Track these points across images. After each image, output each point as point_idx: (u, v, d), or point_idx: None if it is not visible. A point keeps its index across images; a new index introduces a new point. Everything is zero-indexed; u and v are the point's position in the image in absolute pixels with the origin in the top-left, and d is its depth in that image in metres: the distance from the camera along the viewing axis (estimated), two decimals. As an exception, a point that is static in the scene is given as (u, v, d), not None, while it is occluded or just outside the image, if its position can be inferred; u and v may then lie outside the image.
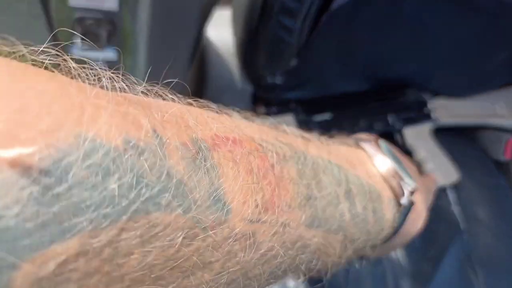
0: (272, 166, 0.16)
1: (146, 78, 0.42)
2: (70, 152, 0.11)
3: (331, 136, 0.27)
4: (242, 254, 0.14)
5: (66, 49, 0.51)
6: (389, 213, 0.24)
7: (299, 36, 0.46)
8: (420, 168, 0.52)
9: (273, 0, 0.43)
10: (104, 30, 0.47)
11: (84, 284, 0.11)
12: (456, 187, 0.69)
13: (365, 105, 0.63)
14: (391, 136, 0.66)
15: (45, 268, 0.10)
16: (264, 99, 0.63)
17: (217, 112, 0.18)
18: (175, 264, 0.12)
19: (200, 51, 0.58)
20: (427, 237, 0.62)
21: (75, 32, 0.47)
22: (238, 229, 0.13)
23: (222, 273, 0.13)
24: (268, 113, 0.60)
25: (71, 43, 0.49)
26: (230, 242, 0.13)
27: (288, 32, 0.46)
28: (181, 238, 0.12)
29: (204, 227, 0.12)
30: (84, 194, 0.11)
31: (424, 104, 0.67)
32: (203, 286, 0.13)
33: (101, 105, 0.12)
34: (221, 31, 0.59)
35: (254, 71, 0.55)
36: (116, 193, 0.11)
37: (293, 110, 0.59)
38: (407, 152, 0.67)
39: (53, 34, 0.58)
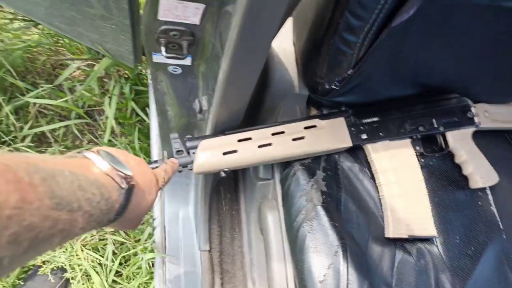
0: (22, 177, 0.26)
1: (225, 84, 0.48)
2: None
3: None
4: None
5: (150, 56, 0.58)
6: (115, 194, 0.36)
7: (359, 50, 0.51)
8: None
9: (339, 18, 0.49)
10: (185, 40, 0.54)
11: None
12: (495, 188, 0.72)
13: (411, 108, 0.68)
14: (433, 139, 0.70)
15: None
16: (317, 102, 0.68)
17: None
18: None
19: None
20: (467, 235, 0.67)
21: (160, 42, 0.54)
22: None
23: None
24: (320, 115, 0.65)
25: (155, 51, 0.56)
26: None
27: (349, 47, 0.51)
28: None
29: None
30: None
31: (468, 108, 0.70)
32: None
33: None
34: (281, 39, 0.65)
35: (313, 78, 0.61)
36: None
37: (344, 113, 0.65)
38: (449, 153, 0.71)
39: (140, 43, 0.65)
